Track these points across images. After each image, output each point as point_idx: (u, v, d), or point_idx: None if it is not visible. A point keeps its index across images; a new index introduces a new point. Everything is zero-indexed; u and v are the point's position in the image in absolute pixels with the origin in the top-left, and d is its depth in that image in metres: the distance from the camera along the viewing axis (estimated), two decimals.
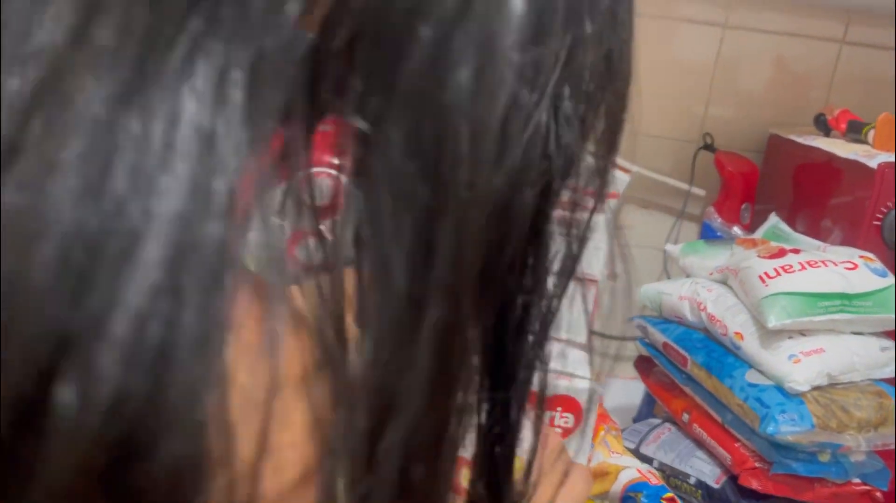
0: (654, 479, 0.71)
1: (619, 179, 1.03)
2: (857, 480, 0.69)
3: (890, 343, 0.71)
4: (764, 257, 0.73)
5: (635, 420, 0.91)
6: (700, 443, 0.76)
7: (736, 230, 0.92)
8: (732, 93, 1.04)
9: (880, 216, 0.75)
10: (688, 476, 0.75)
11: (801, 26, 1.01)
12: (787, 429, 0.64)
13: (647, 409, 0.93)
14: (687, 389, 0.78)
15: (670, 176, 1.04)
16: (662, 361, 0.82)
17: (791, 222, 0.89)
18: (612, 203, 0.86)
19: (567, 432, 0.69)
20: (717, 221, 0.93)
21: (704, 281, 0.79)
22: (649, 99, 0.99)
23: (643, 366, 0.89)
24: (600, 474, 0.75)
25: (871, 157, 0.77)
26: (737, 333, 0.72)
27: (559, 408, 0.68)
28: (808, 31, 1.01)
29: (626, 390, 1.02)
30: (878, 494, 0.70)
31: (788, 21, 1.01)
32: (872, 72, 1.02)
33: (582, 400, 0.68)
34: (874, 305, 0.69)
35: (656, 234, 1.06)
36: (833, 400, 0.67)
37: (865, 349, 0.70)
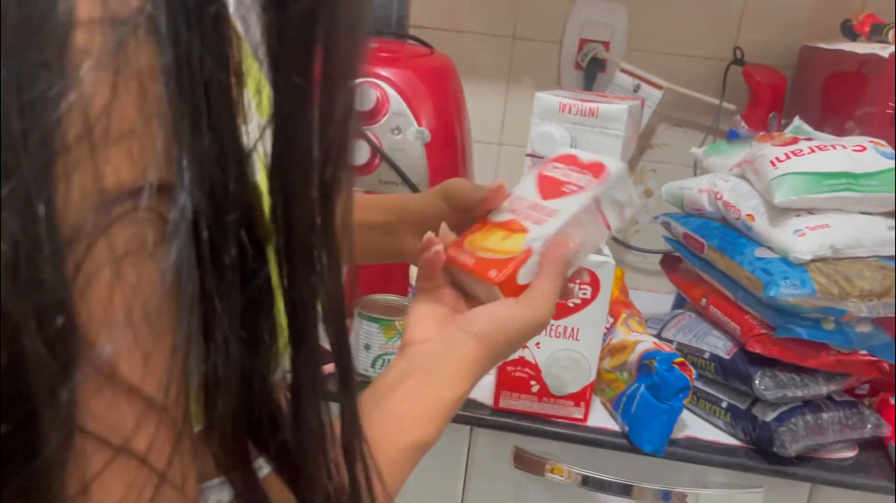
0: (667, 348, 0.77)
1: (651, 95, 1.07)
2: (863, 352, 0.74)
3: None
4: (777, 145, 0.77)
5: None
6: (715, 324, 0.82)
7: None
8: (765, 11, 1.06)
9: (893, 104, 0.78)
10: (703, 352, 0.80)
11: None
12: (787, 292, 0.69)
13: (680, 307, 0.98)
14: (704, 275, 0.83)
15: (703, 93, 1.08)
16: (683, 252, 0.87)
17: (819, 129, 0.93)
18: (635, 105, 0.91)
19: (586, 303, 0.75)
20: (743, 129, 0.97)
21: (723, 174, 0.84)
22: (682, 19, 1.07)
23: (669, 263, 0.94)
24: (619, 349, 0.81)
25: (886, 48, 0.79)
26: (749, 215, 0.77)
27: (578, 281, 0.74)
28: None
29: (660, 302, 1.07)
30: (885, 365, 0.74)
31: None
32: None
33: (599, 273, 0.74)
34: (881, 184, 0.73)
35: (689, 151, 1.10)
36: (836, 270, 0.71)
37: (872, 227, 0.73)
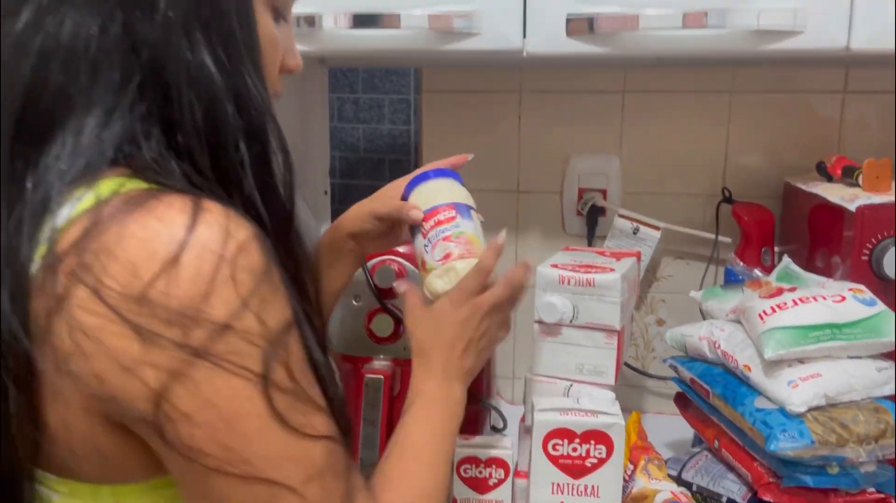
0: (685, 499, 0.82)
1: (650, 236, 1.15)
2: (871, 489, 0.77)
3: (887, 363, 0.80)
4: (763, 297, 0.84)
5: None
6: (729, 466, 0.86)
7: (757, 272, 1.02)
8: (750, 149, 1.14)
9: (867, 252, 0.84)
10: (720, 496, 0.85)
11: (802, 82, 1.11)
12: (787, 445, 0.74)
13: (699, 440, 1.03)
14: (714, 418, 0.88)
15: (700, 228, 1.15)
16: (692, 395, 0.92)
17: (811, 261, 0.99)
18: (630, 267, 1.00)
19: (601, 462, 0.81)
20: (739, 266, 1.04)
21: (719, 321, 0.90)
22: (671, 163, 1.19)
23: (681, 401, 0.99)
24: (640, 498, 0.86)
25: (853, 200, 0.86)
26: (745, 366, 0.83)
27: (592, 442, 0.80)
28: (809, 85, 1.11)
29: (684, 426, 1.11)
30: (893, 501, 0.78)
31: (789, 79, 1.12)
32: (878, 115, 1.11)
33: (611, 433, 0.80)
34: (863, 331, 0.79)
35: (694, 281, 1.17)
36: (832, 417, 0.76)
37: (862, 371, 0.79)
